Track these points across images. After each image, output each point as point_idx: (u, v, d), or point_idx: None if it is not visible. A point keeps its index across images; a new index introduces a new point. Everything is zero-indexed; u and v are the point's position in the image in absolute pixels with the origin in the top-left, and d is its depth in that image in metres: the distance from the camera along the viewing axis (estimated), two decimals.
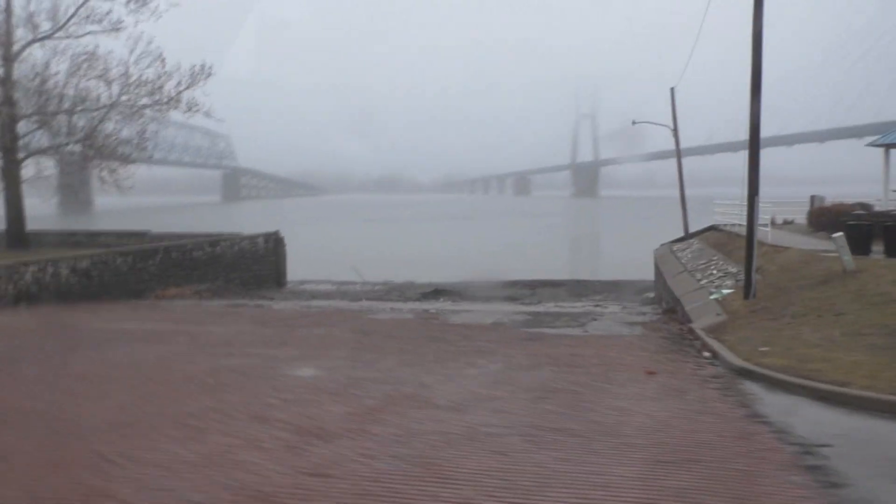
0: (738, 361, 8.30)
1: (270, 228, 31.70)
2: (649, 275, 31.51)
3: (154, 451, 5.00)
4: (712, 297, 14.53)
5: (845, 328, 9.42)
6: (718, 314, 12.84)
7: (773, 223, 26.58)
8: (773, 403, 6.44)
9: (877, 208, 22.35)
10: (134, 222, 36.01)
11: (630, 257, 42.52)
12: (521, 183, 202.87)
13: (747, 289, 13.23)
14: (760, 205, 29.57)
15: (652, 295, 27.33)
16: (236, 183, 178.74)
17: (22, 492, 4.34)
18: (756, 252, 13.60)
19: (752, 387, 7.17)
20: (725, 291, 14.50)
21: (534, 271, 42.00)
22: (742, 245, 20.24)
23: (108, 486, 4.42)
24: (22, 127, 29.29)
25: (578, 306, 20.72)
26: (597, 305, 21.38)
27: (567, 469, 4.80)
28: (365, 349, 9.77)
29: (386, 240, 63.37)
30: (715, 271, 17.75)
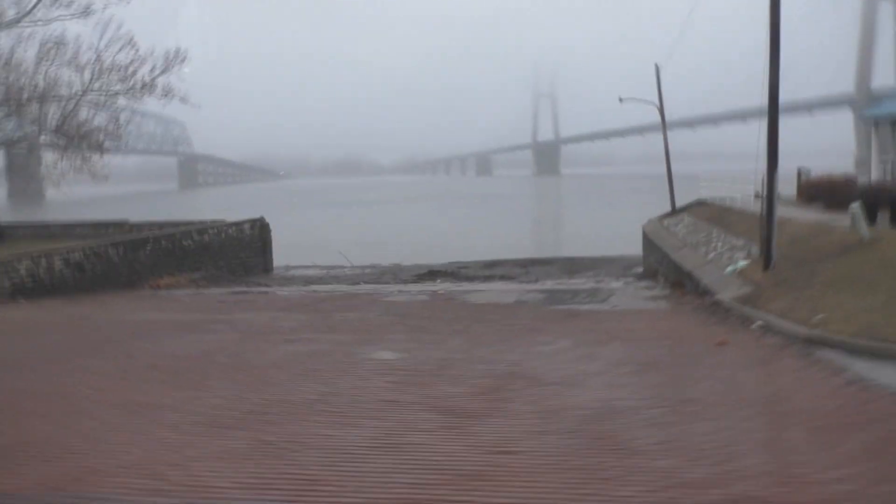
0: (805, 330, 8.50)
1: (245, 215, 31.08)
2: (633, 249, 32.04)
3: (329, 437, 4.79)
4: (728, 269, 14.80)
5: (888, 294, 9.69)
6: (742, 286, 13.10)
7: (757, 196, 27.22)
8: (868, 368, 6.58)
9: (858, 182, 23.04)
10: (90, 213, 34.96)
11: (611, 233, 43.14)
12: (483, 163, 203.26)
13: (767, 260, 13.50)
14: (745, 179, 30.17)
15: (640, 269, 27.77)
16: (193, 170, 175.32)
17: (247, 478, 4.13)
18: (772, 225, 13.84)
19: (828, 354, 7.35)
20: (742, 264, 14.78)
21: (514, 250, 42.30)
22: (739, 218, 20.77)
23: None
24: None
25: (581, 283, 20.92)
26: (599, 282, 21.61)
27: (745, 437, 4.81)
28: (417, 331, 9.71)
29: (357, 223, 63.08)
30: (719, 245, 18.07)
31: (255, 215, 31.01)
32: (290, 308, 13.42)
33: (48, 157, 29.89)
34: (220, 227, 27.64)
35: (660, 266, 22.89)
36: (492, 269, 27.98)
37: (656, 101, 30.67)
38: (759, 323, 9.71)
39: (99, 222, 31.88)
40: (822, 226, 15.94)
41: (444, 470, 4.26)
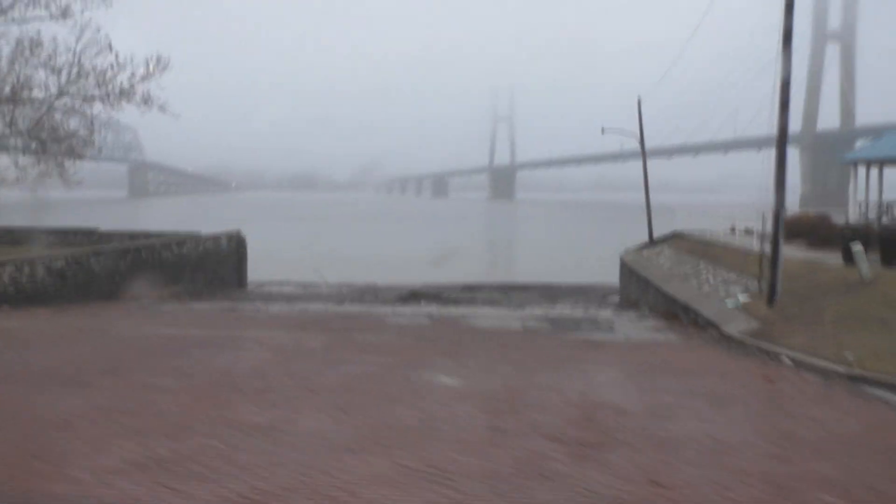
0: (843, 368, 8.78)
1: (199, 228, 30.31)
2: (604, 277, 32.56)
3: (470, 464, 4.66)
4: (729, 303, 15.18)
5: None
6: (748, 320, 13.47)
7: (733, 231, 28.02)
8: None
9: (833, 220, 23.98)
10: (39, 218, 33.67)
11: (582, 261, 43.70)
12: (439, 184, 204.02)
13: (772, 296, 13.91)
14: (715, 213, 30.90)
15: (617, 298, 28.26)
16: (144, 178, 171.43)
17: None
18: (778, 261, 14.27)
19: (878, 391, 7.63)
20: (742, 298, 15.18)
21: (486, 274, 42.51)
22: (724, 252, 21.35)
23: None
24: None
25: (569, 311, 21.07)
26: (587, 310, 21.83)
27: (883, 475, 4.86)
28: (451, 355, 9.66)
29: (316, 239, 62.36)
30: (710, 278, 18.51)
31: (231, 229, 30.54)
32: (302, 327, 13.19)
33: (21, 160, 28.84)
34: (198, 240, 27.11)
35: (642, 296, 23.33)
36: (472, 293, 28.06)
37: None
38: (788, 359, 10.00)
39: (66, 229, 30.95)
40: (815, 263, 16.51)
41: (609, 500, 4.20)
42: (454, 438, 5.14)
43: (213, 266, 27.86)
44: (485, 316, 18.15)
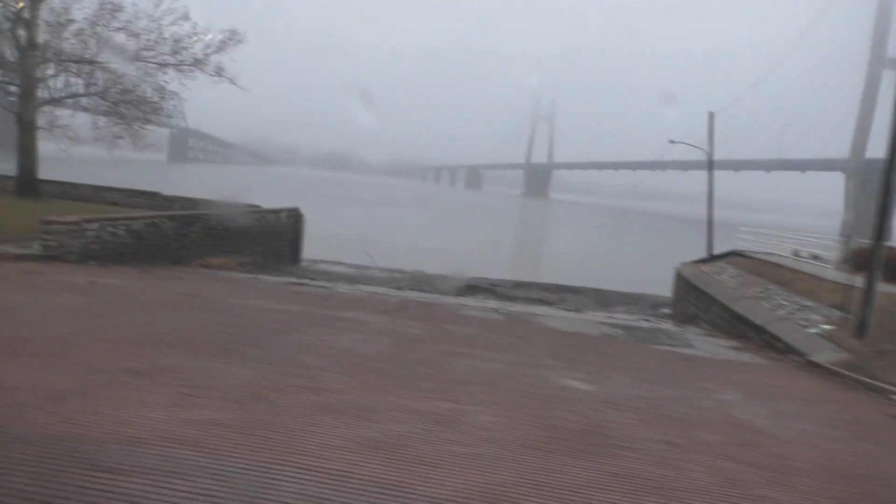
0: None
1: (242, 199, 30.31)
2: (650, 287, 32.40)
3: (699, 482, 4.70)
4: (812, 330, 15.04)
5: None
6: (836, 351, 13.35)
7: (796, 255, 27.64)
8: None
9: None
10: (76, 174, 33.95)
11: (628, 269, 43.46)
12: (473, 176, 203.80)
13: (862, 328, 13.77)
14: (774, 235, 30.53)
15: (669, 311, 28.10)
16: (184, 144, 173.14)
17: None
18: (873, 294, 14.10)
19: None
20: (825, 327, 15.03)
21: (520, 271, 42.37)
22: (794, 276, 21.09)
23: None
24: (41, 73, 27.80)
25: (632, 320, 21.02)
26: (646, 320, 21.76)
27: None
28: (560, 358, 9.70)
29: (359, 221, 62.60)
30: (785, 303, 18.32)
31: (290, 205, 30.76)
32: (388, 311, 13.32)
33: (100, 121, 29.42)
34: (261, 213, 27.44)
35: (702, 312, 23.12)
36: (526, 291, 28.07)
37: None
38: None
39: (129, 190, 31.43)
40: None
41: None
42: (636, 449, 5.17)
43: (272, 239, 28.16)
44: (553, 316, 18.18)
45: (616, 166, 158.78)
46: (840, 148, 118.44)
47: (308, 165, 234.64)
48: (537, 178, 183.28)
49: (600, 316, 20.89)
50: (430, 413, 5.50)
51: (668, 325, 20.77)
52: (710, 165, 28.47)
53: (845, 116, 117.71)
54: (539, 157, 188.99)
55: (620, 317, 22.04)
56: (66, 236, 16.76)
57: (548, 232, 74.96)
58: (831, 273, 19.74)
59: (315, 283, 20.11)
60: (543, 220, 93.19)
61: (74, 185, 31.07)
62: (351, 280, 24.36)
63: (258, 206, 29.24)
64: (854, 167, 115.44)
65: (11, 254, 15.99)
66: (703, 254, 42.69)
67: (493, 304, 20.57)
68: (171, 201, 30.38)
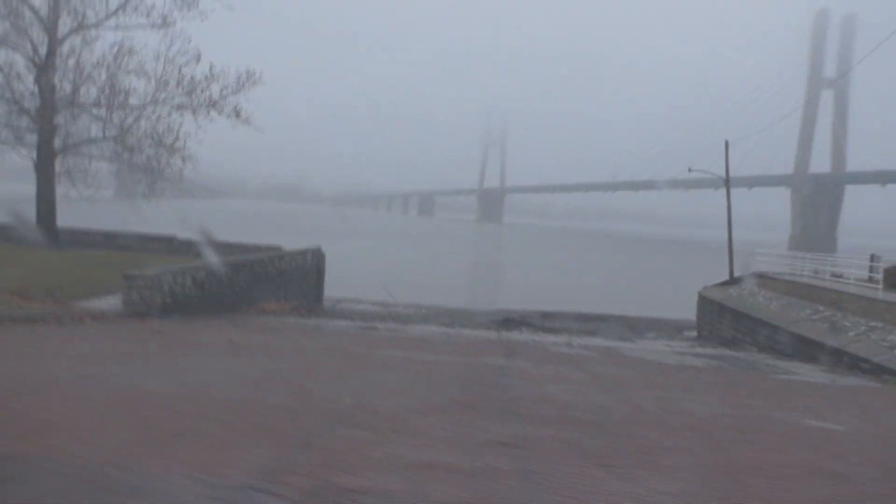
0: None
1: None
2: (661, 312, 33.18)
3: None
4: None
5: None
6: None
7: (816, 273, 28.70)
8: None
9: None
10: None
11: (616, 291, 44.20)
12: (426, 203, 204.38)
13: None
14: (798, 256, 31.36)
15: (695, 333, 28.78)
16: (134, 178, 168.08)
17: None
18: None
19: None
20: None
21: (516, 301, 42.27)
22: (839, 297, 21.85)
23: None
24: (59, 120, 27.13)
25: (687, 347, 21.41)
26: (692, 346, 22.18)
27: None
28: (708, 393, 9.89)
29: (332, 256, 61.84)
30: (847, 324, 19.01)
31: (313, 244, 30.48)
32: (508, 356, 13.40)
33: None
34: (292, 256, 27.15)
35: (744, 335, 23.71)
36: (560, 322, 28.30)
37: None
38: None
39: (145, 235, 30.70)
40: None
41: None
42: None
43: (299, 280, 27.86)
44: (632, 348, 18.49)
45: (569, 189, 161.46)
46: (784, 165, 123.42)
47: (258, 197, 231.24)
48: (491, 203, 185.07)
49: (658, 345, 21.28)
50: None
51: (728, 351, 21.20)
52: (728, 190, 29.54)
53: (789, 134, 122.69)
54: (492, 181, 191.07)
55: (672, 343, 22.47)
56: (149, 291, 16.35)
57: (520, 256, 75.58)
58: (880, 293, 20.57)
59: (383, 325, 19.97)
60: (508, 244, 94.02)
61: (85, 233, 30.19)
62: (391, 319, 24.17)
63: (279, 247, 28.88)
64: (798, 182, 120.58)
65: (96, 309, 15.58)
66: (689, 275, 44.05)
67: (553, 338, 20.77)
68: (189, 245, 29.73)
